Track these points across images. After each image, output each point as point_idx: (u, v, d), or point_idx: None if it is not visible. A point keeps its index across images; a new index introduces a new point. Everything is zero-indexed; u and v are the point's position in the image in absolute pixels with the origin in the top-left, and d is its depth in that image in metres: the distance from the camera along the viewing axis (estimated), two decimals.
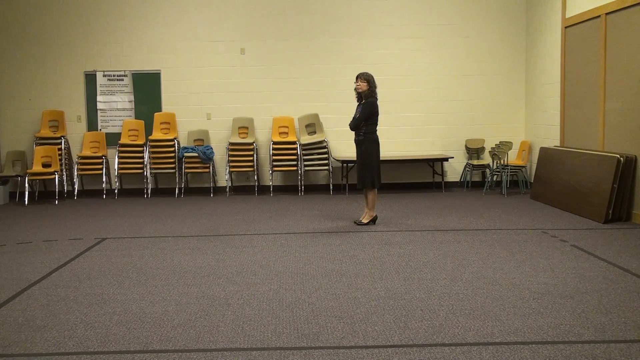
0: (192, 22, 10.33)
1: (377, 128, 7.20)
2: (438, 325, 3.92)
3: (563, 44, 9.01)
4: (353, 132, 7.23)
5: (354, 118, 7.17)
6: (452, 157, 10.26)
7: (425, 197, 9.53)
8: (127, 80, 10.36)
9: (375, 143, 7.14)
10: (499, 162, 9.69)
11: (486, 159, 10.28)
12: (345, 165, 10.05)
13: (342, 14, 10.36)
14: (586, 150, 8.15)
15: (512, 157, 10.21)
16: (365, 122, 7.06)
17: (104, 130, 10.38)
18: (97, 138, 10.31)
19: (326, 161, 10.12)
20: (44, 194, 10.21)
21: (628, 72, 7.41)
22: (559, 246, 6.07)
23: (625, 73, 7.48)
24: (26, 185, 9.65)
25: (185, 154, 10.04)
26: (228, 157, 10.12)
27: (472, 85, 10.46)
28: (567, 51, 8.93)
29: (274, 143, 10.10)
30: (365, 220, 7.28)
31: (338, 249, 6.07)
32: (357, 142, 7.21)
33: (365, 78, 7.04)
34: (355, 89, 7.18)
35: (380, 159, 7.29)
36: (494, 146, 9.87)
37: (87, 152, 10.19)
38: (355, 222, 7.35)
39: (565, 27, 8.93)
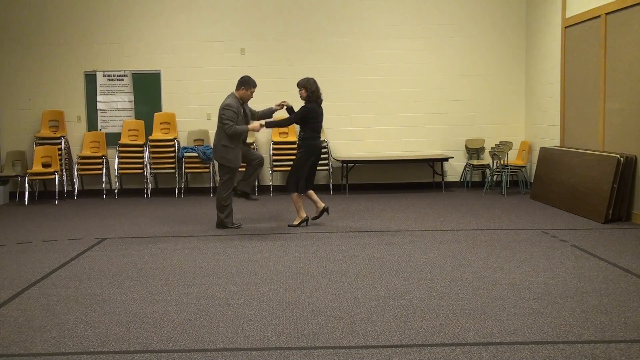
0: (192, 22, 10.33)
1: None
2: (438, 325, 3.92)
3: (563, 44, 9.01)
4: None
5: (286, 120, 7.38)
6: (452, 157, 10.25)
7: (425, 197, 9.53)
8: (127, 80, 10.36)
9: (311, 148, 7.21)
10: (498, 162, 9.69)
11: (486, 159, 10.28)
12: (345, 165, 10.04)
13: (342, 14, 10.36)
14: (586, 150, 8.15)
15: (512, 157, 10.21)
16: (303, 126, 7.21)
17: (104, 130, 10.38)
18: (97, 138, 10.31)
19: (326, 161, 10.11)
20: (44, 194, 10.21)
21: (628, 72, 7.41)
22: (559, 246, 6.07)
23: (625, 73, 7.48)
24: (26, 185, 9.65)
25: (185, 154, 10.04)
26: None
27: (472, 85, 10.46)
28: (567, 51, 8.93)
29: (274, 143, 10.10)
30: (296, 222, 7.34)
31: (338, 249, 6.08)
32: (297, 145, 7.40)
33: (302, 85, 7.20)
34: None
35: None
36: (494, 146, 9.87)
37: (87, 152, 10.19)
38: (288, 225, 7.42)
39: (565, 27, 8.93)
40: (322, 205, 7.42)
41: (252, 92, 7.19)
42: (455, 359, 3.41)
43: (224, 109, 7.02)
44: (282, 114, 7.87)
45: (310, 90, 7.15)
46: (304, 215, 7.35)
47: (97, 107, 10.39)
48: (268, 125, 7.43)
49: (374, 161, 10.17)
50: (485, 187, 10.02)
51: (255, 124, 7.24)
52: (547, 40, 9.58)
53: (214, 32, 10.32)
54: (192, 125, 10.39)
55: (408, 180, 10.50)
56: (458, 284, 4.82)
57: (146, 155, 10.14)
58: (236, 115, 7.01)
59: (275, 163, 10.03)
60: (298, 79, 6.96)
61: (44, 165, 9.79)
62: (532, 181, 9.65)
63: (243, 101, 7.16)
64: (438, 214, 8.01)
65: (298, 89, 7.23)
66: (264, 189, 10.35)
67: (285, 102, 7.38)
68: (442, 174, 10.40)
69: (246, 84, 7.14)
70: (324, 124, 10.20)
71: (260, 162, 7.42)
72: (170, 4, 10.31)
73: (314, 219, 7.48)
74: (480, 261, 5.53)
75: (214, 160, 7.36)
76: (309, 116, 7.16)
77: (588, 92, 8.32)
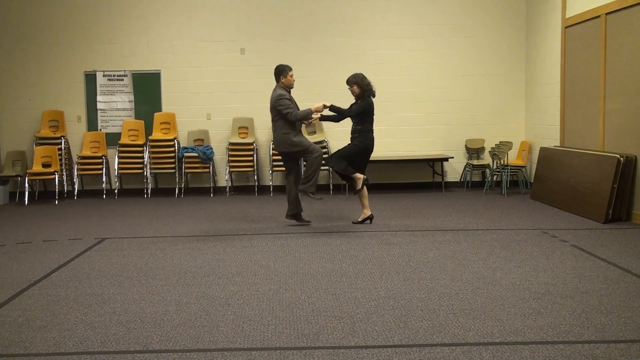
0: (192, 22, 10.33)
1: (377, 127, 7.25)
2: (438, 325, 3.92)
3: (563, 44, 9.01)
4: (352, 133, 7.26)
5: (347, 110, 7.23)
6: (452, 157, 10.25)
7: (425, 197, 9.53)
8: (127, 80, 10.36)
9: (371, 142, 7.21)
10: (499, 162, 9.69)
11: (486, 159, 10.28)
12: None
13: (342, 14, 10.36)
14: (586, 150, 8.15)
15: (512, 157, 10.21)
16: (360, 121, 7.13)
17: (104, 130, 10.38)
18: (97, 138, 10.31)
19: None
20: (44, 194, 10.21)
21: (628, 72, 7.41)
22: (559, 246, 6.07)
23: (625, 73, 7.48)
24: (26, 185, 9.65)
25: (185, 154, 10.05)
26: (228, 157, 10.12)
27: (472, 85, 10.46)
28: (567, 51, 8.93)
29: None
30: (360, 219, 7.33)
31: (338, 249, 6.07)
32: (352, 138, 7.30)
33: (354, 82, 7.13)
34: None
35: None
36: (494, 146, 9.87)
37: (87, 152, 10.19)
38: (353, 222, 7.39)
39: (565, 27, 8.93)
40: (368, 212, 7.33)
41: (292, 76, 7.22)
42: (455, 359, 3.41)
43: (277, 100, 7.06)
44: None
45: (364, 84, 7.09)
46: (369, 212, 7.31)
47: (97, 107, 10.39)
48: (332, 109, 7.24)
49: (374, 161, 10.11)
50: (485, 187, 10.02)
51: (318, 103, 7.18)
52: (547, 40, 9.58)
53: (214, 32, 10.32)
54: (192, 125, 10.39)
55: (408, 180, 10.50)
56: (458, 284, 4.81)
57: (146, 155, 10.14)
58: (291, 102, 7.11)
59: (275, 163, 10.02)
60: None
61: (44, 165, 9.79)
62: (532, 181, 9.65)
63: (289, 89, 7.23)
64: (438, 214, 8.01)
65: (349, 86, 7.16)
66: (264, 189, 10.35)
67: (324, 104, 7.14)
68: (442, 174, 10.40)
69: (283, 71, 7.20)
70: (324, 124, 10.32)
71: (320, 156, 7.04)
72: (170, 4, 10.31)
73: (355, 222, 7.35)
74: (480, 261, 5.52)
75: (281, 152, 7.33)
76: (370, 110, 7.15)
77: (588, 92, 8.32)
